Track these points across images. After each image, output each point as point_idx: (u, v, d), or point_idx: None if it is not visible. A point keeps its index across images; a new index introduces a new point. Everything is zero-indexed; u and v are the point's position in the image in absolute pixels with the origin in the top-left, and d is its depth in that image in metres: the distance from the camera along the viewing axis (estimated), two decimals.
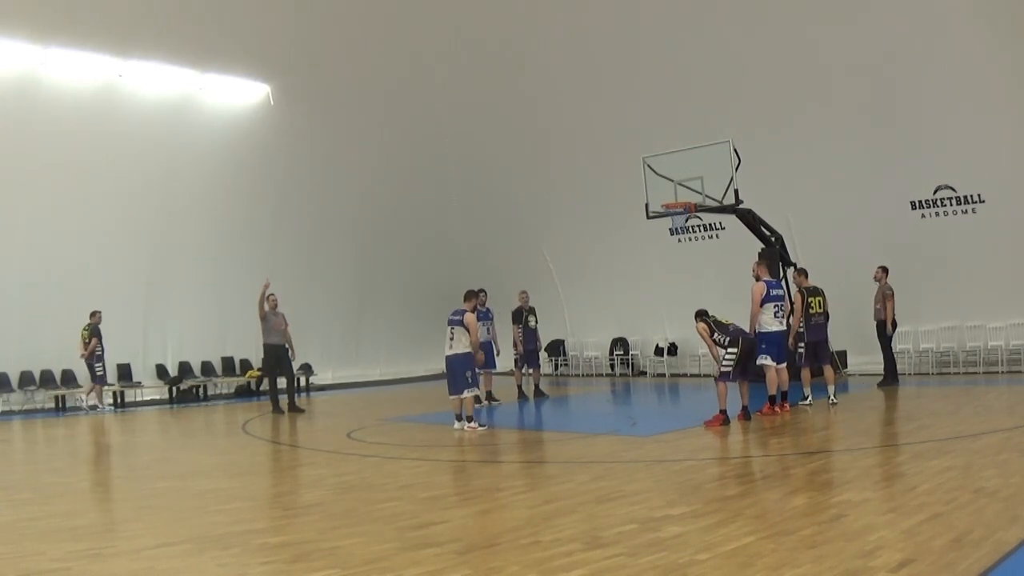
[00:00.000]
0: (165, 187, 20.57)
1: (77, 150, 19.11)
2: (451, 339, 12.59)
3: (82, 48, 19.09)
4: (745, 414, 12.02)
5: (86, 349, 18.28)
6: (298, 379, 22.63)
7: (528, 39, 22.56)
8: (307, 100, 22.67)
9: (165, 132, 20.49)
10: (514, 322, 17.39)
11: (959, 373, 17.90)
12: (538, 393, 17.67)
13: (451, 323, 12.63)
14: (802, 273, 14.78)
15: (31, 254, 18.83)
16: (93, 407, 18.36)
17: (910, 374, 18.28)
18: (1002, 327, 17.74)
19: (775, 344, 12.60)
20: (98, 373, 18.52)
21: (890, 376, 16.47)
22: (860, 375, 18.28)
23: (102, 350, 18.46)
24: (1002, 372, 17.46)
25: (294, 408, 16.66)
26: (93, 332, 18.36)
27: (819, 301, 14.07)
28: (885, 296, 16.13)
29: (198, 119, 21.39)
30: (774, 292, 12.85)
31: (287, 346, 16.87)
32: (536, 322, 17.51)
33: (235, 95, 22.16)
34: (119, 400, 19.64)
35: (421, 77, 23.64)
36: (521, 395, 17.49)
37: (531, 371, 17.77)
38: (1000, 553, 5.13)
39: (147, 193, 20.30)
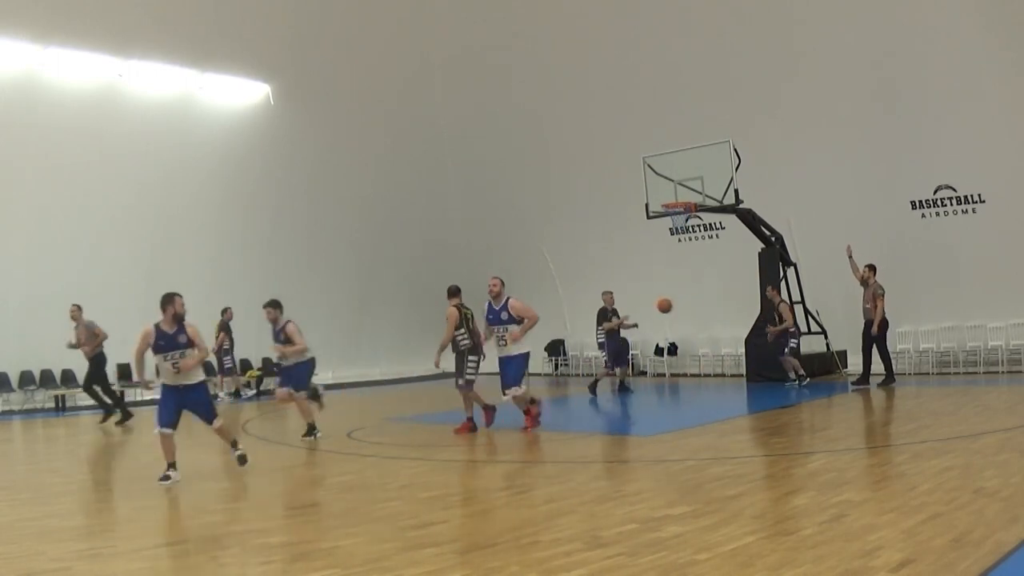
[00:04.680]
0: (164, 187, 20.55)
1: (77, 149, 19.09)
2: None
3: (81, 48, 19.10)
4: (471, 425, 12.12)
5: (215, 343, 19.22)
6: None
7: (527, 39, 22.57)
8: (307, 100, 22.68)
9: (165, 132, 20.48)
10: (599, 323, 17.52)
11: (959, 373, 17.90)
12: (622, 388, 17.83)
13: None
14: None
15: (31, 253, 18.82)
16: (233, 394, 19.79)
17: (910, 374, 18.29)
18: (1002, 327, 17.75)
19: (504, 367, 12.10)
20: (227, 366, 19.62)
21: (888, 376, 16.26)
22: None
23: (231, 344, 19.52)
24: (1002, 372, 17.47)
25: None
26: (222, 327, 19.34)
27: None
28: (876, 296, 15.90)
29: (198, 119, 21.39)
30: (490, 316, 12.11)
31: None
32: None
33: (235, 95, 22.16)
34: (120, 400, 19.60)
35: (421, 77, 23.66)
36: (622, 387, 17.77)
37: (618, 369, 17.81)
38: (1000, 553, 5.13)
39: (146, 193, 20.28)
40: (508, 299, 11.77)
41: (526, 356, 12.05)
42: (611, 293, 17.75)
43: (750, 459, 9.52)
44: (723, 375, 20.92)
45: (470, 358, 12.05)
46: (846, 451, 9.33)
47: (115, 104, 19.90)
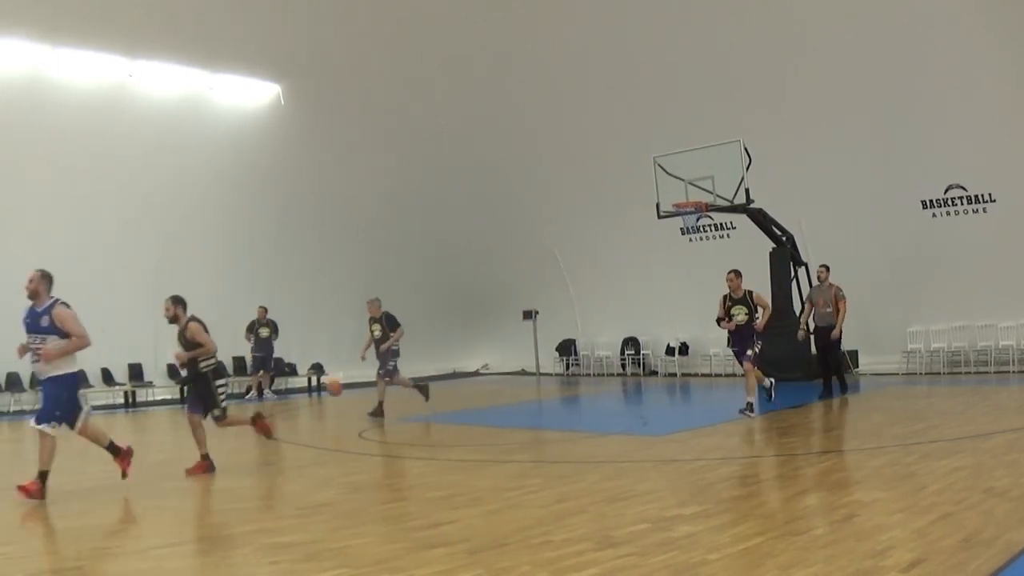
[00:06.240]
0: (174, 187, 20.62)
1: (86, 150, 19.17)
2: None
3: (92, 48, 19.17)
4: (208, 464, 9.94)
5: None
6: (309, 379, 22.71)
7: (534, 40, 22.53)
8: (317, 101, 22.69)
9: (175, 132, 20.54)
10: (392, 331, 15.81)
11: (970, 373, 17.83)
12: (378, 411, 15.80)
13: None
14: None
15: (39, 254, 18.83)
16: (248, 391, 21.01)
17: (921, 373, 18.24)
18: (1013, 326, 17.67)
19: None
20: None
21: (837, 386, 14.97)
22: (871, 375, 18.23)
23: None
24: (1013, 372, 17.38)
25: None
26: (266, 324, 20.81)
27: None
28: (839, 298, 14.59)
29: (208, 119, 21.44)
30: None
31: None
32: (382, 331, 15.77)
33: (245, 95, 22.21)
34: (131, 400, 19.70)
35: (431, 78, 23.63)
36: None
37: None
38: (1010, 553, 5.12)
39: (156, 193, 20.35)
40: (55, 302, 8.47)
41: (72, 378, 8.90)
42: (376, 301, 15.83)
43: (760, 459, 9.51)
44: (734, 375, 20.84)
45: (219, 382, 10.11)
46: (856, 451, 9.31)
47: (125, 104, 19.95)
